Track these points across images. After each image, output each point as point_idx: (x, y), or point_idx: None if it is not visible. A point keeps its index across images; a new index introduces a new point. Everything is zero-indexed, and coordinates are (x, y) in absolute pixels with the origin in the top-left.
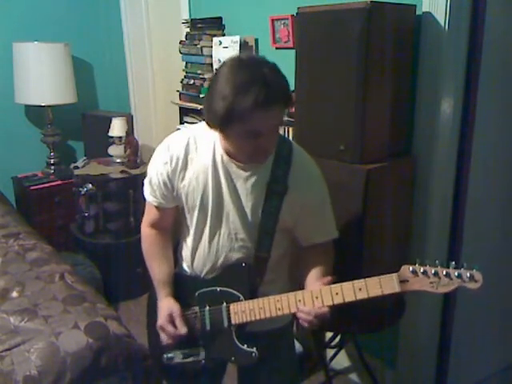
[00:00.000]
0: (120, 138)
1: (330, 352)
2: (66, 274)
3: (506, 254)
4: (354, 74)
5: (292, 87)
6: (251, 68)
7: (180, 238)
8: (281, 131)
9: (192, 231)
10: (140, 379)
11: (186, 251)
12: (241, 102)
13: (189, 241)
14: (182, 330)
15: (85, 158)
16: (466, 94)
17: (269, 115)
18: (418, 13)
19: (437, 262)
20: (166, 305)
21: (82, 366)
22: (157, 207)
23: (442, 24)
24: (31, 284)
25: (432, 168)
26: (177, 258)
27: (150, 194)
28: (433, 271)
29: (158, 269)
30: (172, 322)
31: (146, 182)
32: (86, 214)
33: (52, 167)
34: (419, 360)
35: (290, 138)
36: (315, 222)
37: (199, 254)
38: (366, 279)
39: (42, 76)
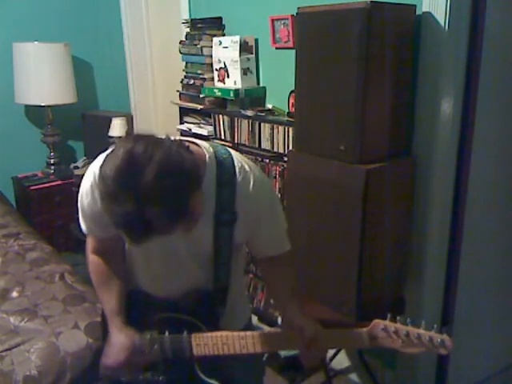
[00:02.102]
0: (120, 138)
1: (330, 352)
2: (65, 274)
3: (506, 254)
4: (354, 73)
5: (291, 88)
6: (124, 191)
7: (130, 263)
8: (281, 131)
9: (139, 262)
10: None
11: (138, 276)
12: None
13: (139, 269)
14: (143, 357)
15: (85, 158)
16: (465, 94)
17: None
18: (417, 13)
19: (408, 320)
20: (121, 340)
21: (82, 366)
22: (97, 238)
23: (442, 24)
24: (31, 284)
25: (432, 168)
26: (130, 278)
27: (86, 226)
28: (404, 332)
29: (107, 299)
30: (132, 353)
31: (79, 213)
32: None
33: (52, 167)
34: (419, 360)
35: (290, 138)
36: (267, 235)
37: (152, 281)
38: (340, 330)
39: (42, 76)
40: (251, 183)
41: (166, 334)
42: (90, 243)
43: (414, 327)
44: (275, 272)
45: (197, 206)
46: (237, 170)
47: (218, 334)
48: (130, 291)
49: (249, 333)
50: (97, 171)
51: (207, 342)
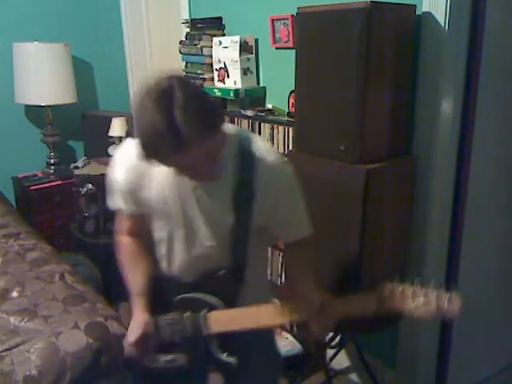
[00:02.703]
0: (120, 138)
1: (330, 352)
2: (65, 274)
3: (506, 252)
4: (354, 73)
5: (291, 88)
6: (160, 109)
7: (156, 243)
8: (281, 131)
9: (163, 239)
10: (140, 379)
11: (161, 257)
12: (154, 152)
13: (163, 248)
14: (152, 343)
15: (85, 157)
16: (465, 94)
17: (189, 155)
18: (418, 13)
19: (416, 280)
20: (140, 320)
21: (82, 366)
22: (127, 216)
23: (442, 24)
24: (31, 284)
25: (432, 168)
26: (155, 261)
27: (117, 203)
28: (411, 291)
29: (133, 279)
30: (145, 337)
31: (111, 193)
32: (86, 213)
33: (52, 167)
34: (419, 360)
35: (290, 138)
36: (287, 220)
37: (174, 261)
38: (346, 296)
39: (42, 76)
40: (268, 164)
41: (187, 314)
42: (120, 225)
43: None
44: (295, 254)
45: (208, 150)
46: (256, 150)
47: (233, 310)
48: (153, 277)
49: (262, 306)
50: (128, 150)
51: (223, 318)
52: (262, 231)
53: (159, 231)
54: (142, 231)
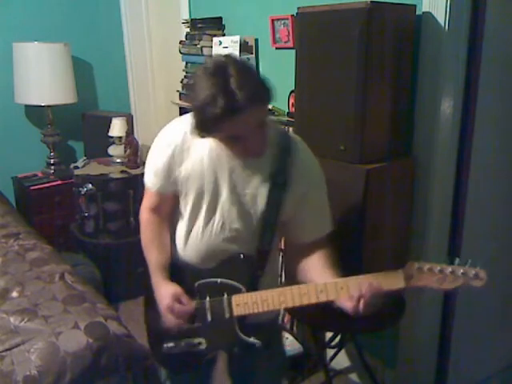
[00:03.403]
0: (120, 138)
1: (329, 352)
2: (66, 273)
3: (506, 252)
4: (354, 73)
5: (291, 88)
6: (215, 78)
7: (175, 226)
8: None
9: (186, 217)
10: (140, 379)
11: (179, 239)
12: (208, 115)
13: (182, 227)
14: (190, 305)
15: (85, 157)
16: (465, 94)
17: (240, 121)
18: (418, 13)
19: (442, 258)
20: (168, 287)
21: (82, 365)
22: (156, 193)
23: (442, 24)
24: (31, 284)
25: (432, 168)
26: (172, 248)
27: (150, 179)
28: (438, 268)
29: (155, 254)
30: (178, 300)
31: (146, 167)
32: (86, 214)
33: (52, 167)
34: (419, 360)
35: None
36: (314, 216)
37: (191, 241)
38: (372, 274)
39: (42, 76)
40: (304, 156)
41: (207, 298)
42: (147, 202)
43: (447, 265)
44: (318, 250)
45: (260, 120)
46: (293, 142)
47: (257, 293)
48: (171, 264)
49: (286, 288)
50: (170, 128)
51: (247, 301)
52: (282, 227)
53: (181, 211)
54: (165, 212)
